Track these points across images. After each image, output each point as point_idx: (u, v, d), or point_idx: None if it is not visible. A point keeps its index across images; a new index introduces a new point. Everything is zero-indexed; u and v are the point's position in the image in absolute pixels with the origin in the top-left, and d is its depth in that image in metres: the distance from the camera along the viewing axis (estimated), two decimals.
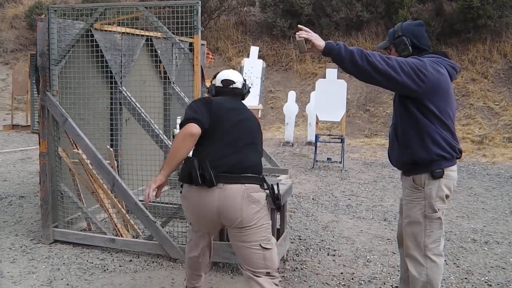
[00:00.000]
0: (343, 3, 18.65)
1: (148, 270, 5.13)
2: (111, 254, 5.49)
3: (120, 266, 5.21)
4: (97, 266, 5.20)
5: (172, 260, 5.33)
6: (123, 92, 6.16)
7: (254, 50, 11.59)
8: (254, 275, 3.67)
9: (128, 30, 6.56)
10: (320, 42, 3.59)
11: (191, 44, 5.95)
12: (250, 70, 9.48)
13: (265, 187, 3.77)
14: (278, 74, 17.90)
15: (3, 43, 23.31)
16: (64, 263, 5.26)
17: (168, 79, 7.53)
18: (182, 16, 5.31)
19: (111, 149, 5.99)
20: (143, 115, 5.94)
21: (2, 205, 7.36)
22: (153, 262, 5.32)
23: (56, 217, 5.82)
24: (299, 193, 8.46)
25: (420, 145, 3.69)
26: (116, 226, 5.67)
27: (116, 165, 5.95)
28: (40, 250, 5.61)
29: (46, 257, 5.42)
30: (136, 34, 6.79)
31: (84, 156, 5.55)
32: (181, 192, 3.82)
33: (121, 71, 6.42)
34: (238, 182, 3.59)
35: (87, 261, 5.32)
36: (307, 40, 3.59)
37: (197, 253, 4.03)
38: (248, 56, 11.35)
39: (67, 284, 4.77)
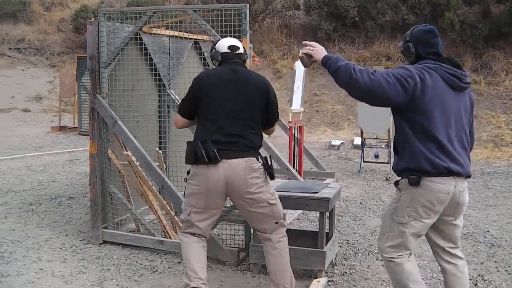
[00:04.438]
0: (388, 6, 18.45)
1: None
2: (160, 256, 5.51)
3: (169, 267, 5.22)
4: (146, 267, 5.22)
5: (220, 262, 5.32)
6: (171, 94, 6.20)
7: None
8: (264, 233, 4.29)
9: (176, 33, 6.60)
10: (318, 55, 3.74)
11: None
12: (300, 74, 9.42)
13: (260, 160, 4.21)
14: (323, 77, 17.79)
15: (50, 46, 23.73)
16: (113, 264, 5.30)
17: None
18: (230, 19, 5.32)
19: (160, 151, 6.03)
20: None
21: (52, 205, 7.47)
22: None
23: (106, 218, 5.88)
24: (346, 197, 8.38)
25: (402, 153, 3.69)
26: (165, 228, 5.69)
27: (164, 167, 5.97)
28: (90, 250, 5.66)
29: (96, 258, 5.47)
30: (184, 37, 6.83)
31: (133, 158, 5.59)
32: (188, 174, 4.23)
33: (168, 74, 6.46)
34: (239, 157, 4.05)
35: (137, 262, 5.35)
36: (309, 55, 3.79)
37: (203, 243, 4.28)
38: (293, 59, 11.31)
39: (117, 285, 4.80)
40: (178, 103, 6.03)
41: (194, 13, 5.30)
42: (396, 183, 3.81)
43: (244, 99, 4.14)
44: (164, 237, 5.69)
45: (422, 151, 3.55)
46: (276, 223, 4.27)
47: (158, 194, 5.72)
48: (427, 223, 3.68)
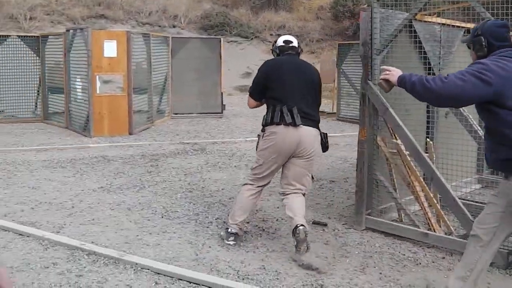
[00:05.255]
0: None
1: None
2: (423, 249, 5.40)
3: (433, 262, 5.11)
4: (409, 258, 5.15)
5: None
6: None
7: None
8: (294, 192, 5.26)
9: (447, 21, 6.40)
10: (394, 78, 3.92)
11: None
12: None
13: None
14: None
15: (309, 33, 24.54)
16: (376, 252, 5.32)
17: None
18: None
19: (431, 142, 5.91)
20: (461, 109, 5.77)
21: (313, 187, 7.68)
22: None
23: (370, 205, 5.91)
24: None
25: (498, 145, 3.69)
26: (430, 221, 5.58)
27: (433, 158, 5.84)
28: (352, 235, 5.74)
29: (358, 243, 5.53)
30: (455, 26, 6.60)
31: (402, 147, 5.55)
32: (262, 131, 5.26)
33: (439, 63, 6.29)
34: (311, 126, 5.17)
35: (399, 252, 5.31)
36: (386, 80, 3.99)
37: (254, 192, 5.37)
38: None
39: (380, 273, 4.82)
40: None
41: (473, 0, 5.06)
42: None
43: (307, 82, 5.25)
44: (428, 230, 5.58)
45: None
46: (304, 194, 5.33)
47: (425, 185, 5.62)
48: None
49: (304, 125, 5.06)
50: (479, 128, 5.75)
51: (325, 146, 5.41)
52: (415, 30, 5.98)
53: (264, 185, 5.43)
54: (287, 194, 5.27)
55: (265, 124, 5.21)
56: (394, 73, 3.94)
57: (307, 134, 5.11)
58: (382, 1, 5.73)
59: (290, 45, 5.47)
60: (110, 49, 11.20)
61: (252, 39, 24.39)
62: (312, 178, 5.49)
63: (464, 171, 5.95)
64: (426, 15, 6.13)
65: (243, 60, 22.60)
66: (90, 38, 11.07)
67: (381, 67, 4.24)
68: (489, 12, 4.98)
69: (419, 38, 6.05)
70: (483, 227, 3.85)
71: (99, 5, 23.33)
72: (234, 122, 14.10)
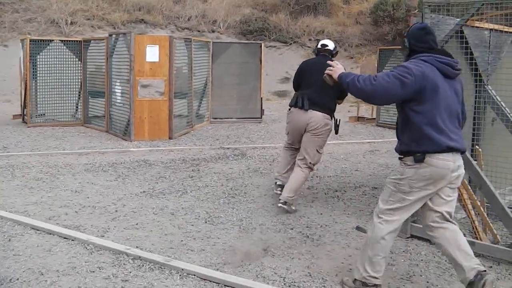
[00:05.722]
0: None
1: (510, 280, 4.87)
2: None
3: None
4: None
5: None
6: (489, 90, 5.93)
7: None
8: (299, 166, 6.77)
9: (496, 26, 6.29)
10: (335, 75, 4.41)
11: None
12: None
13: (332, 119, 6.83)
14: None
15: (348, 38, 24.39)
16: (422, 260, 5.26)
17: None
18: None
19: (480, 149, 5.80)
20: (509, 116, 5.67)
21: (356, 194, 7.66)
22: None
23: (415, 212, 5.80)
24: None
25: (407, 137, 4.25)
26: (477, 229, 5.48)
27: (482, 165, 5.74)
28: (397, 243, 5.65)
29: (403, 251, 5.48)
30: (504, 31, 6.47)
31: None
32: (289, 110, 6.96)
33: (487, 69, 6.18)
34: (320, 111, 6.64)
35: (445, 261, 5.20)
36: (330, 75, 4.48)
37: (291, 153, 7.09)
38: None
39: (427, 281, 4.77)
40: (496, 100, 5.82)
41: None
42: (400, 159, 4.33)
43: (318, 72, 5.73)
44: (475, 238, 5.48)
45: (426, 134, 4.10)
46: (309, 167, 6.80)
47: (473, 193, 5.52)
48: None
49: (312, 109, 6.61)
50: None
51: (336, 129, 6.96)
52: (465, 36, 5.88)
53: (293, 147, 7.04)
54: (296, 167, 6.82)
55: (289, 105, 6.95)
56: (337, 70, 4.42)
57: (314, 116, 6.62)
58: (434, 6, 5.65)
59: (325, 48, 6.99)
60: (153, 53, 11.27)
61: (290, 44, 24.34)
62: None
63: (509, 178, 5.83)
64: (475, 20, 6.03)
65: (281, 65, 22.58)
66: (133, 43, 11.17)
67: (327, 61, 4.74)
68: None
69: (468, 43, 5.95)
70: None
71: (139, 10, 23.55)
72: (273, 127, 14.06)
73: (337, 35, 24.30)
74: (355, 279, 4.44)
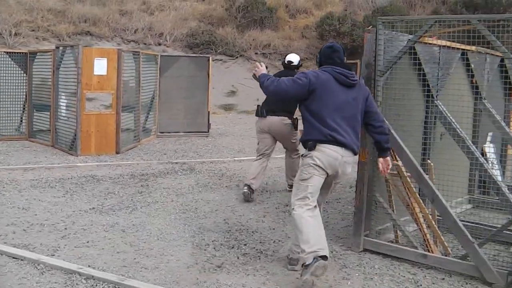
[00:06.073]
0: None
1: None
2: (422, 270, 5.38)
3: (433, 283, 5.09)
4: (409, 280, 5.13)
5: (487, 284, 5.05)
6: (439, 106, 6.03)
7: None
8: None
9: (446, 43, 6.43)
10: (257, 75, 5.37)
11: (502, 59, 6.97)
12: None
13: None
14: None
15: (294, 52, 24.55)
16: (376, 273, 5.29)
17: (480, 94, 7.20)
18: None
19: (432, 163, 5.89)
20: (458, 130, 5.78)
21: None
22: (466, 283, 5.10)
23: (368, 226, 5.88)
24: None
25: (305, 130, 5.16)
26: (428, 242, 5.56)
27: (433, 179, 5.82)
28: (350, 257, 5.70)
29: (357, 265, 5.50)
30: (453, 48, 6.62)
31: (403, 169, 5.53)
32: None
33: (437, 84, 6.30)
34: (276, 115, 7.88)
35: (399, 274, 5.28)
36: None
37: (261, 162, 8.13)
38: None
39: None
40: (446, 115, 5.93)
41: (478, 23, 5.08)
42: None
43: None
44: (426, 250, 5.56)
45: (317, 127, 4.96)
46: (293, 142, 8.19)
47: (424, 206, 5.60)
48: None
49: (270, 115, 7.88)
50: (475, 149, 5.75)
51: (295, 127, 8.02)
52: (416, 52, 5.98)
53: (265, 154, 8.14)
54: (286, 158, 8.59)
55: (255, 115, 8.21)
56: (261, 70, 5.34)
57: (273, 121, 7.91)
58: (387, 23, 5.72)
59: (291, 64, 8.28)
60: (101, 66, 11.08)
61: (237, 57, 24.36)
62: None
63: (455, 191, 5.95)
64: (427, 37, 6.14)
65: (228, 78, 22.56)
66: (80, 56, 10.94)
67: (256, 62, 5.75)
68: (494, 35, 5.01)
69: (419, 60, 6.05)
70: None
71: (85, 22, 23.14)
72: (221, 142, 14.01)
73: (283, 48, 24.44)
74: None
